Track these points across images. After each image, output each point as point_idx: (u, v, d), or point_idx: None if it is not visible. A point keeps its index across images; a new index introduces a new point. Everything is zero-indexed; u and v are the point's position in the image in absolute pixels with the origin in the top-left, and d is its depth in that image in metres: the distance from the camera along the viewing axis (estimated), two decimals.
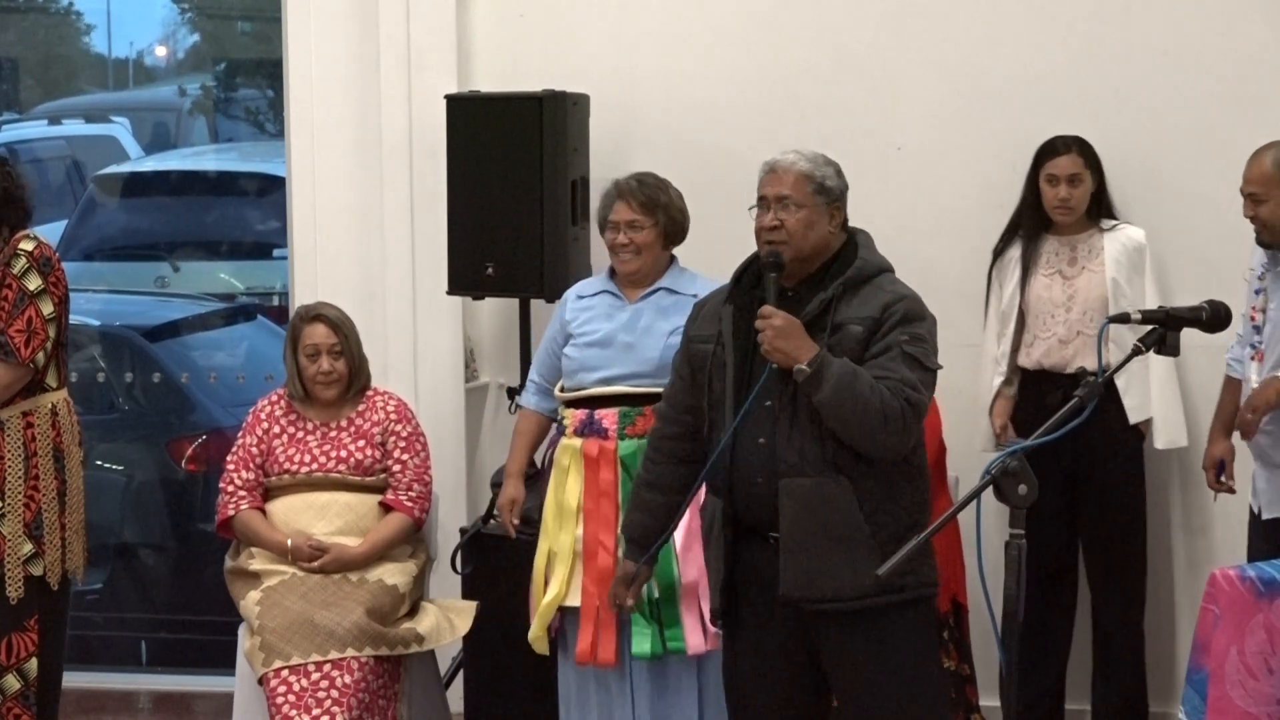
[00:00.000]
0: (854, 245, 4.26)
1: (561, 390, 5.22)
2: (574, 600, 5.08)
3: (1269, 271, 5.06)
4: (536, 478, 5.43)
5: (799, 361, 4.04)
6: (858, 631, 4.13)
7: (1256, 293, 5.08)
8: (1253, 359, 5.06)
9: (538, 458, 5.47)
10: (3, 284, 5.08)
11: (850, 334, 4.11)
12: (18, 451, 5.12)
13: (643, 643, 4.99)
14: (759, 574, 4.19)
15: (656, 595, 4.97)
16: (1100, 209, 5.66)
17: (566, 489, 5.11)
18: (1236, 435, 5.20)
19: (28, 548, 5.13)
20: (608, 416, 5.08)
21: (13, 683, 5.15)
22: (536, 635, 5.14)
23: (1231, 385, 5.28)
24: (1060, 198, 5.58)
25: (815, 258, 4.22)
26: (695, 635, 4.98)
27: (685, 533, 4.94)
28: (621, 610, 4.58)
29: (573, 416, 5.14)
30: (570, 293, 5.33)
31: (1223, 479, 5.29)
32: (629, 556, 4.53)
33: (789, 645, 4.22)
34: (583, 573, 5.06)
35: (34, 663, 5.15)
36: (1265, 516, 5.06)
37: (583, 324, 5.19)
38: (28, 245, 5.12)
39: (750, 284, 4.28)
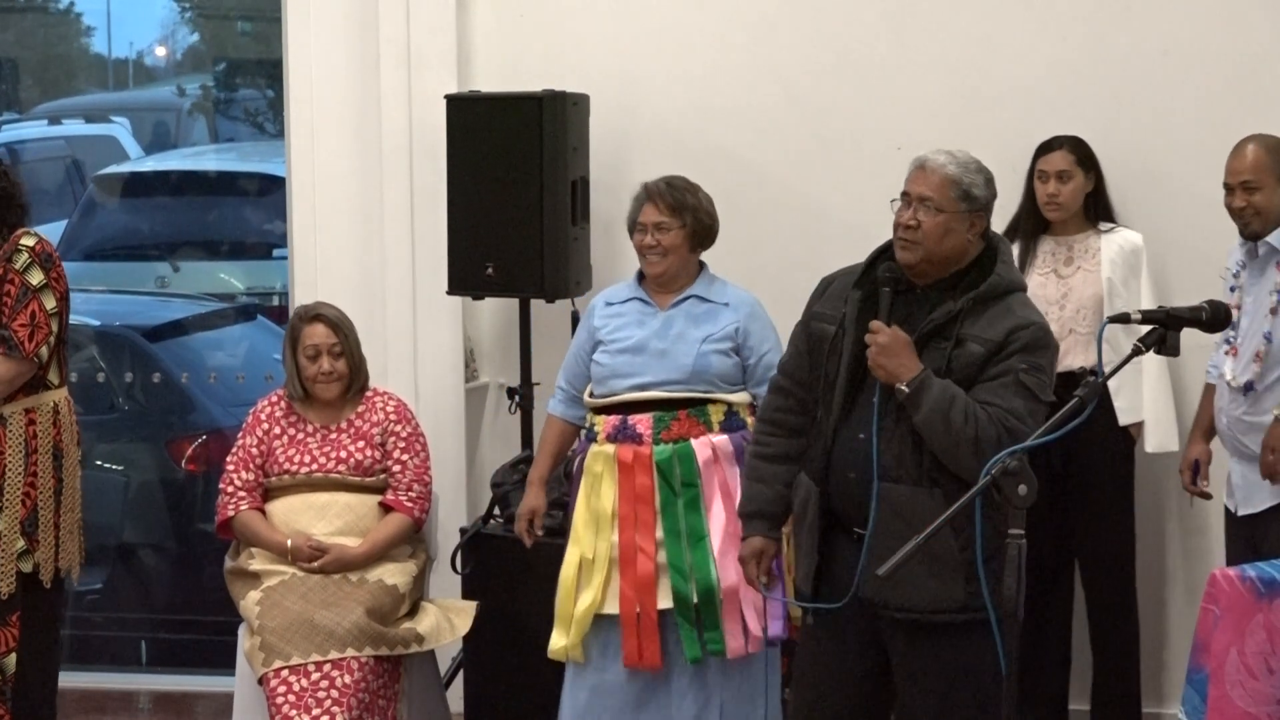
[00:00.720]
0: (992, 257, 4.21)
1: (591, 396, 5.20)
2: (611, 608, 5.04)
3: (1245, 267, 5.07)
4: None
5: (900, 381, 4.05)
6: (930, 644, 4.12)
7: (1232, 290, 5.09)
8: (1228, 354, 5.07)
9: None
10: (5, 279, 5.08)
11: (970, 352, 4.09)
12: (19, 448, 5.12)
13: (691, 648, 4.98)
14: (841, 567, 4.18)
15: (696, 599, 4.96)
16: (1098, 211, 5.67)
17: (601, 495, 5.07)
18: (1215, 442, 5.25)
19: (20, 544, 5.13)
20: (642, 422, 5.05)
21: None
22: (573, 643, 5.06)
23: (1212, 391, 5.29)
24: (1049, 193, 5.60)
25: (949, 263, 4.18)
26: (735, 639, 4.96)
27: (723, 538, 4.94)
28: (763, 591, 4.49)
29: (605, 423, 5.11)
30: (598, 299, 5.30)
31: (1199, 482, 5.32)
32: (754, 532, 4.42)
33: (862, 641, 4.21)
34: (620, 579, 5.03)
35: (12, 658, 5.14)
36: (1240, 513, 5.07)
37: (613, 331, 5.16)
38: (29, 241, 5.13)
39: (880, 276, 4.20)
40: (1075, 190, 5.61)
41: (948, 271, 4.18)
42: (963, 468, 4.05)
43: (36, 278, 5.09)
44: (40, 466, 5.16)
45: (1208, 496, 5.36)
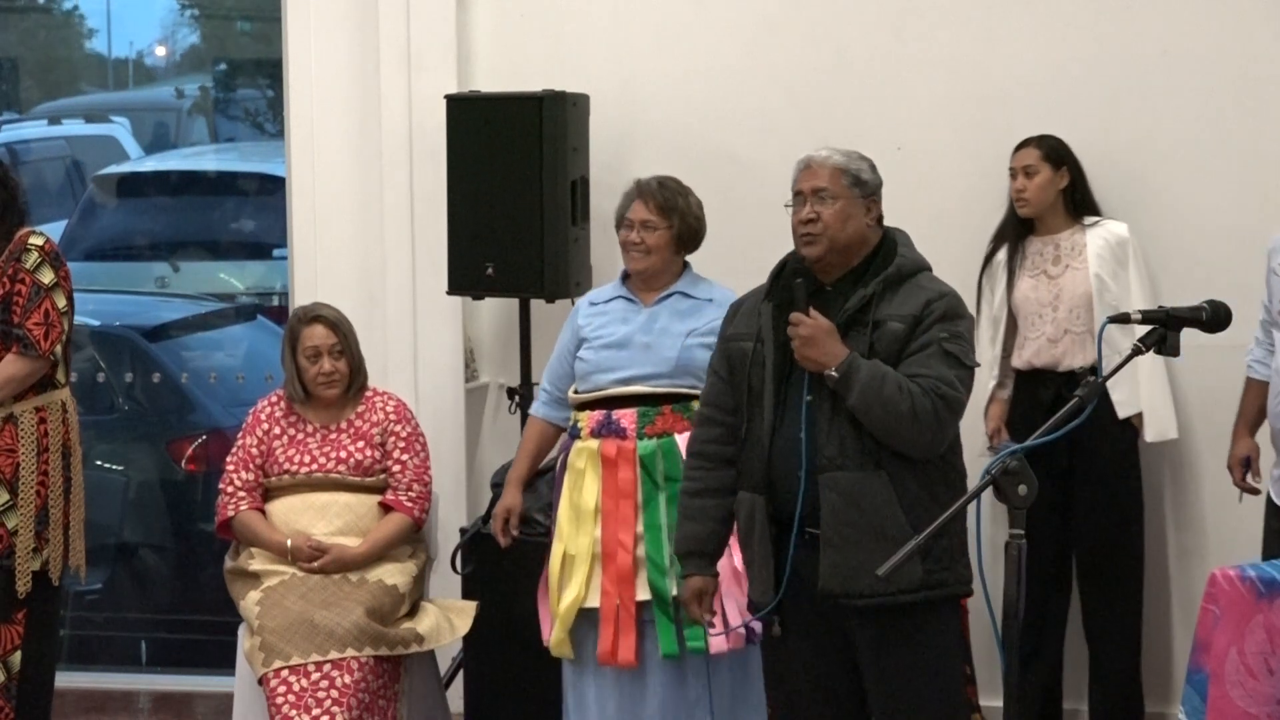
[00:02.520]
0: (892, 242, 4.28)
1: (575, 393, 5.20)
2: (593, 602, 5.05)
3: None
4: (534, 481, 5.42)
5: (828, 367, 4.09)
6: (893, 627, 4.14)
7: None
8: None
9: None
10: (15, 279, 5.09)
11: (891, 331, 4.13)
12: (31, 446, 5.12)
13: (666, 643, 4.98)
14: (798, 570, 4.18)
15: (675, 593, 4.95)
16: (1078, 206, 5.67)
17: (583, 490, 5.08)
18: (1261, 434, 5.20)
19: (31, 542, 5.14)
20: (626, 416, 5.06)
21: None
22: (559, 639, 5.09)
23: (1253, 386, 5.24)
24: (1016, 189, 5.64)
25: (853, 252, 4.23)
26: (715, 635, 4.97)
27: None
28: (710, 627, 4.56)
29: (588, 418, 5.11)
30: (582, 301, 5.32)
31: (1248, 478, 5.29)
32: (694, 570, 4.41)
33: (830, 642, 4.22)
34: (602, 573, 5.04)
35: (18, 656, 5.15)
36: None
37: (598, 328, 5.16)
38: (38, 240, 5.14)
39: (788, 280, 4.26)
40: (1041, 185, 5.62)
41: (852, 263, 4.24)
42: (903, 443, 4.09)
43: (48, 277, 5.11)
44: (51, 465, 5.16)
45: (1256, 492, 5.28)
